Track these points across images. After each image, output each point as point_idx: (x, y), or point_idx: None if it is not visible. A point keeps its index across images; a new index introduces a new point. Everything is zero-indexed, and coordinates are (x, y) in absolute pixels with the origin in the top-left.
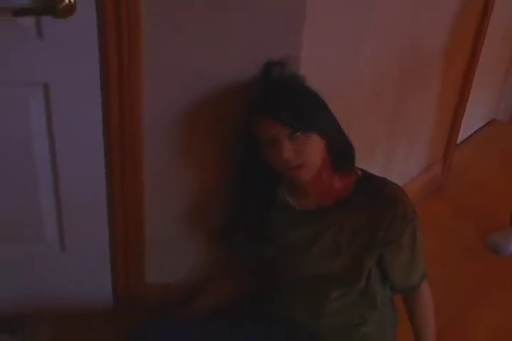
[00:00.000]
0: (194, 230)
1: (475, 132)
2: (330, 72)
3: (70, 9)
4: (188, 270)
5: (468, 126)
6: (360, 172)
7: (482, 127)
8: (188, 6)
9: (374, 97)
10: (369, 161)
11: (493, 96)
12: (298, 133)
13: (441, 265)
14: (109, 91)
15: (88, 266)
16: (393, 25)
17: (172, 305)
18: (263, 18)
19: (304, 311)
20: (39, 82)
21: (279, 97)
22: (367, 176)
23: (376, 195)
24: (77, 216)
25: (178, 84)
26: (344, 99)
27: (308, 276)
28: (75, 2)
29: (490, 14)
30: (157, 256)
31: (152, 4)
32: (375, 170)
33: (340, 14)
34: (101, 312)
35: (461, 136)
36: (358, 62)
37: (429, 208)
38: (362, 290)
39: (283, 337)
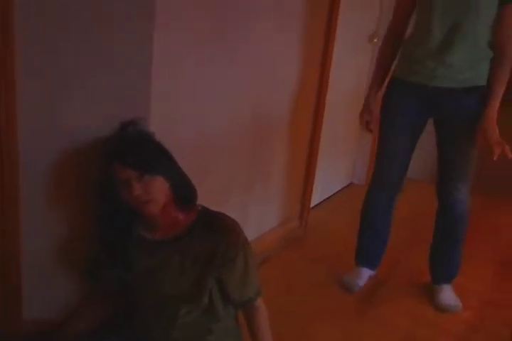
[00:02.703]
0: (67, 265)
1: (334, 194)
2: (179, 128)
3: None
4: (62, 304)
5: (327, 189)
6: (200, 208)
7: (340, 190)
8: (55, 73)
9: (227, 150)
10: (224, 208)
11: (349, 161)
12: (145, 176)
13: (290, 296)
14: None
15: None
16: (236, 92)
17: (48, 336)
18: (119, 88)
19: (158, 327)
20: None
21: (129, 148)
22: (206, 211)
23: (213, 226)
24: None
25: (49, 138)
26: (195, 150)
27: (161, 297)
28: None
29: (326, 84)
30: (33, 292)
31: (28, 66)
32: (232, 216)
33: (186, 83)
34: None
35: (321, 196)
36: (206, 120)
37: (286, 255)
38: (206, 307)
39: None
